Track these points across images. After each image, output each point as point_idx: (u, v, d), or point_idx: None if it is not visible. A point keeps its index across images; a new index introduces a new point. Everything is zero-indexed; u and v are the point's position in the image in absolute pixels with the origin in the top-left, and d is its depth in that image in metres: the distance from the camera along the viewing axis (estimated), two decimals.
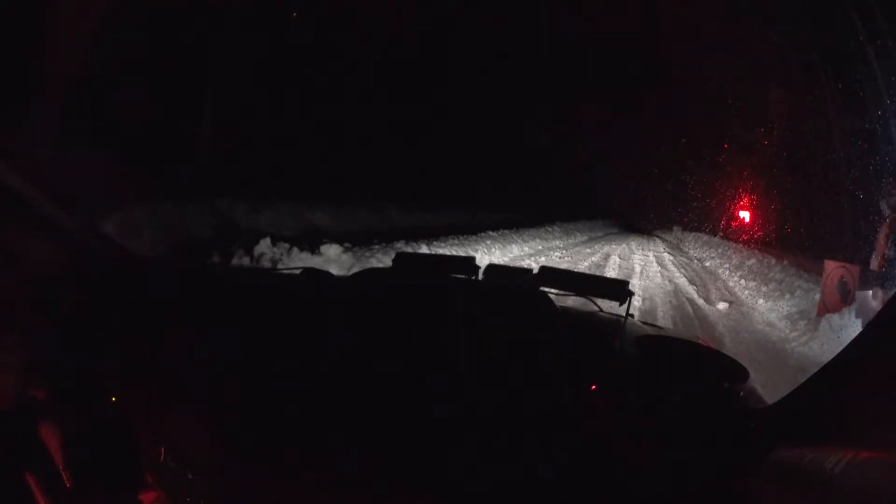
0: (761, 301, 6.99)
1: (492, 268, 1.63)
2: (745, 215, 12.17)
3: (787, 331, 5.49)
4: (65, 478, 1.07)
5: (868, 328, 0.69)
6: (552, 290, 1.48)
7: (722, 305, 6.49)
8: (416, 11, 10.77)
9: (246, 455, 0.99)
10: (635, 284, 6.99)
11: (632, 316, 1.48)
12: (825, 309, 5.32)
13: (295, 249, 6.06)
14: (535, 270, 1.61)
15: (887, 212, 4.73)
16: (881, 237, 4.66)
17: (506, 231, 11.26)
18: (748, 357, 4.03)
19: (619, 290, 1.46)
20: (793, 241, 8.85)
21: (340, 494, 0.90)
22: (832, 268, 5.53)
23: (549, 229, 14.20)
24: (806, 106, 8.09)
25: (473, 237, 9.70)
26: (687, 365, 1.09)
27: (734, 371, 1.03)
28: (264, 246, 5.91)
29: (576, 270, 6.74)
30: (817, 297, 5.71)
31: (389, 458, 0.90)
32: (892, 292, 4.16)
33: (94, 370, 1.19)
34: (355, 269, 3.78)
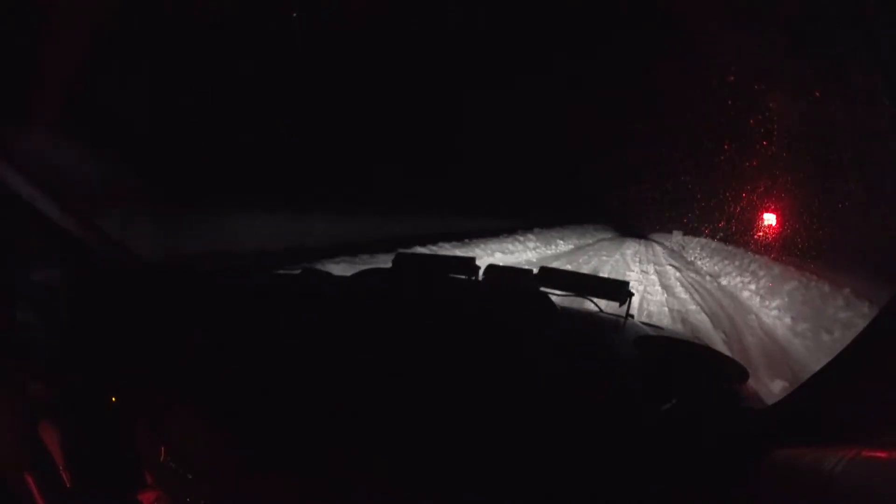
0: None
1: (492, 268, 1.64)
2: (770, 219, 9.28)
3: None
4: (65, 478, 1.07)
5: (868, 328, 0.69)
6: (552, 291, 1.48)
7: (779, 386, 3.08)
8: (413, 13, 10.77)
9: (245, 455, 0.99)
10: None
11: (632, 316, 1.49)
12: None
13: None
14: (536, 271, 1.61)
15: None
16: None
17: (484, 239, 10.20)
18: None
19: (619, 290, 1.46)
20: (848, 257, 5.68)
21: (340, 495, 0.90)
22: None
23: (521, 239, 12.16)
24: (806, 106, 8.07)
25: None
26: (687, 365, 1.09)
27: (734, 371, 1.03)
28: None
29: (576, 271, 6.71)
30: None
31: (388, 459, 0.90)
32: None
33: (94, 370, 1.19)
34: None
